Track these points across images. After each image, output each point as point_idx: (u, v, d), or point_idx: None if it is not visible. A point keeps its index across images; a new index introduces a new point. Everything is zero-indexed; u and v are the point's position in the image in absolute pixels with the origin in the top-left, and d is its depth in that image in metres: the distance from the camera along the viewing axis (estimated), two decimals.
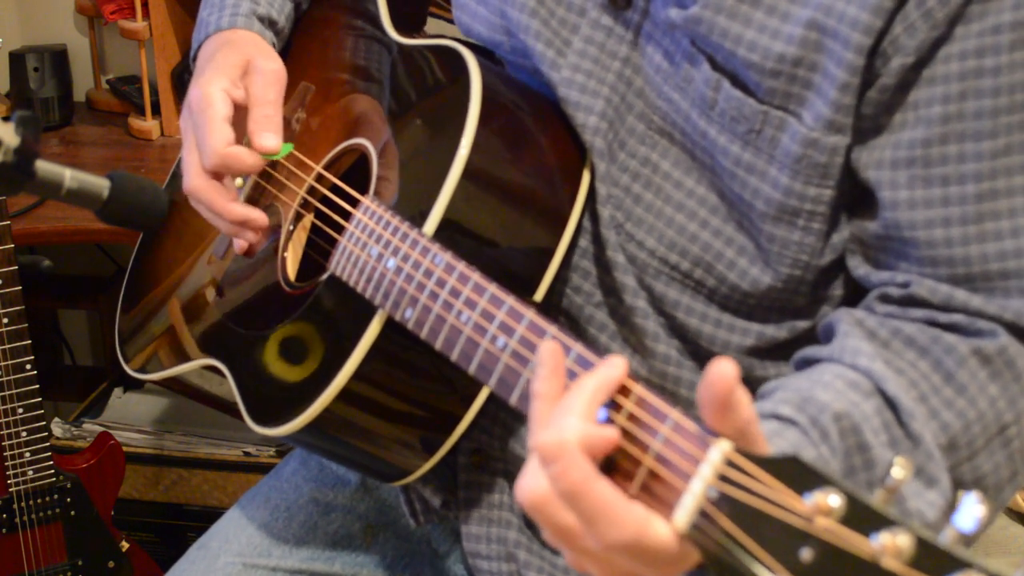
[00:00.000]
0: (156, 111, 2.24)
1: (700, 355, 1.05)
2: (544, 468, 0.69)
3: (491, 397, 1.02)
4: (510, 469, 1.11)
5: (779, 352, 1.03)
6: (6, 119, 0.83)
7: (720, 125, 0.96)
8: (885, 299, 0.94)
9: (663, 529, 0.68)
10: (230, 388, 1.15)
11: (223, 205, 1.11)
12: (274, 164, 1.19)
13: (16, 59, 2.27)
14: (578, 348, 0.78)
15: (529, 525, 1.11)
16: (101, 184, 0.90)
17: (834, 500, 0.60)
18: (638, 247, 1.03)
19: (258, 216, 1.12)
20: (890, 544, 0.57)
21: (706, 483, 0.66)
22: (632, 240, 1.03)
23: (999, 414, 0.89)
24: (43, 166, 0.86)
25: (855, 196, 0.95)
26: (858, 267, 0.97)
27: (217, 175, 1.11)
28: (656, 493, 0.69)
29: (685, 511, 0.66)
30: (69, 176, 0.87)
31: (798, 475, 0.62)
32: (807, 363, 0.94)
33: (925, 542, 0.58)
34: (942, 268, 0.91)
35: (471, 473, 1.12)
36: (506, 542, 1.11)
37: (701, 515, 0.65)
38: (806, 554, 0.60)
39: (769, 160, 0.94)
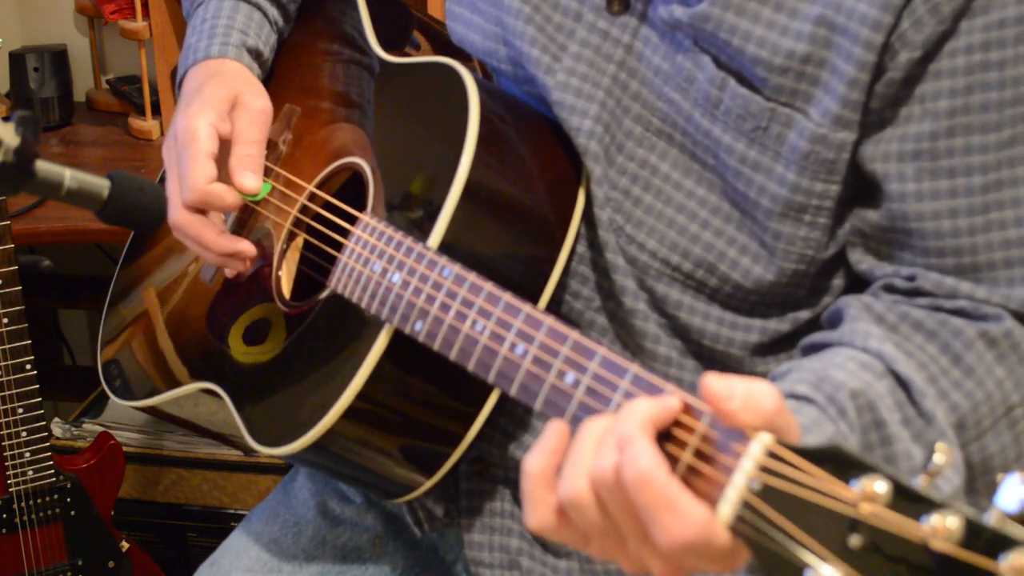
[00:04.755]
0: (156, 111, 2.24)
1: (702, 355, 1.05)
2: (620, 453, 0.69)
3: (493, 406, 1.02)
4: (511, 476, 1.10)
5: (782, 345, 1.04)
6: (6, 119, 0.83)
7: (725, 123, 0.96)
8: (890, 289, 0.95)
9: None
10: (223, 414, 1.13)
11: (211, 239, 1.10)
12: (252, 201, 1.17)
13: (16, 59, 2.27)
14: (602, 351, 0.79)
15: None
16: (101, 184, 0.89)
17: (880, 486, 0.60)
18: (639, 249, 1.03)
19: (246, 247, 1.11)
20: (940, 526, 0.58)
21: (748, 475, 0.66)
22: (633, 242, 1.03)
23: (1006, 395, 0.90)
24: (43, 166, 0.85)
25: (857, 188, 0.96)
26: (860, 261, 0.98)
27: (198, 210, 1.10)
28: (696, 488, 0.69)
29: (728, 503, 0.66)
30: (69, 176, 0.87)
31: (841, 464, 0.63)
32: (815, 348, 0.95)
33: (974, 523, 0.58)
34: (948, 258, 0.92)
35: (472, 481, 1.12)
36: (509, 550, 1.10)
37: (744, 506, 0.66)
38: (855, 540, 0.61)
39: (776, 157, 0.95)
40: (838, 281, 1.01)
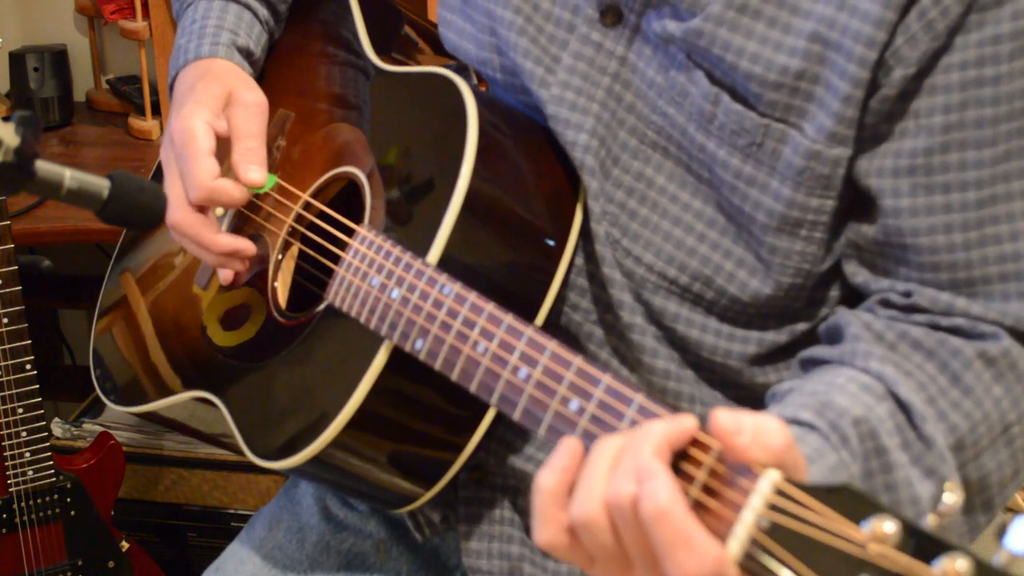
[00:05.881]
0: (156, 111, 2.24)
1: (700, 366, 1.05)
2: (639, 485, 0.68)
3: (492, 417, 1.02)
4: (509, 484, 1.10)
5: (780, 356, 1.04)
6: (6, 119, 0.83)
7: (719, 139, 0.96)
8: (887, 304, 0.95)
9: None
10: (222, 420, 1.13)
11: (210, 238, 1.10)
12: (259, 193, 1.18)
13: (16, 59, 2.27)
14: (607, 379, 0.78)
15: (531, 536, 1.10)
16: (101, 184, 0.89)
17: (889, 526, 0.60)
18: (635, 262, 1.02)
19: (246, 245, 1.11)
20: (950, 568, 0.57)
21: (757, 513, 0.65)
22: (629, 255, 1.02)
23: (1003, 414, 0.90)
24: (43, 166, 0.85)
25: (853, 202, 0.96)
26: (856, 274, 0.98)
27: (202, 208, 1.10)
28: (704, 523, 0.68)
29: (737, 540, 0.66)
30: (69, 176, 0.87)
31: (851, 503, 0.63)
32: (814, 363, 0.95)
33: (984, 565, 0.58)
34: (943, 273, 0.92)
35: (471, 489, 1.11)
36: (510, 557, 1.10)
37: (754, 544, 0.65)
38: None
39: (770, 172, 0.94)
40: (835, 293, 1.01)
